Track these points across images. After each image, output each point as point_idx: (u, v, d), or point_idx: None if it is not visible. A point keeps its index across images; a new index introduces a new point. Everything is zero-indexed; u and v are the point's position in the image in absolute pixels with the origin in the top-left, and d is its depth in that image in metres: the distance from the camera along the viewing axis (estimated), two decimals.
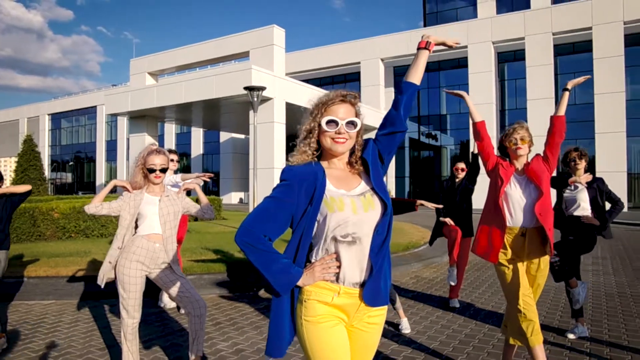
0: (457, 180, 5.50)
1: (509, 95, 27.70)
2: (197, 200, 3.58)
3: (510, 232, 3.05)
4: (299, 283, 1.63)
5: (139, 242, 3.13)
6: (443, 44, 2.00)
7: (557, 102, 3.32)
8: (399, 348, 3.94)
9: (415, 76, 1.85)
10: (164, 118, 26.24)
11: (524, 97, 25.41)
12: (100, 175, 42.74)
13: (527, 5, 26.45)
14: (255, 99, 11.41)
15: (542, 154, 3.17)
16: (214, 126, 30.72)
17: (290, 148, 1.86)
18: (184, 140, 38.95)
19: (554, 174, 3.77)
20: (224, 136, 34.73)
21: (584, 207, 4.17)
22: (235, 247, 8.39)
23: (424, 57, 1.90)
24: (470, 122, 3.32)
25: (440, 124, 30.20)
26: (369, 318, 1.74)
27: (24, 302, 5.47)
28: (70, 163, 46.28)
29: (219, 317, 4.80)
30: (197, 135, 37.91)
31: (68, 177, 46.93)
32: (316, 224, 1.66)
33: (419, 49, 1.93)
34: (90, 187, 43.89)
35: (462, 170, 5.44)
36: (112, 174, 42.03)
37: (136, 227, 3.20)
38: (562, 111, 3.15)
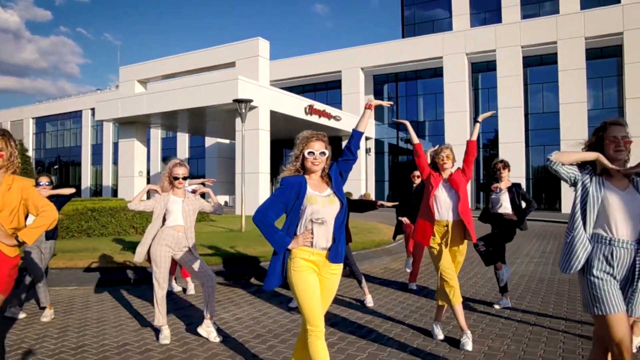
0: (414, 185, 6.71)
1: (482, 103, 29.20)
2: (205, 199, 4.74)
3: (439, 224, 4.23)
4: (289, 247, 2.79)
5: (167, 231, 4.25)
6: (380, 104, 3.21)
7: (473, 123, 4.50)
8: (363, 315, 5.10)
9: (362, 126, 3.00)
10: (152, 124, 27.12)
11: (496, 105, 26.92)
12: (86, 179, 43.18)
13: (498, 20, 28.07)
14: (244, 110, 12.50)
15: (461, 168, 4.36)
16: (199, 132, 31.65)
17: (273, 153, 3.14)
18: (169, 144, 39.71)
19: (483, 180, 5.04)
20: (209, 141, 35.61)
21: (505, 207, 5.41)
22: (225, 243, 9.49)
23: (368, 115, 3.05)
24: (412, 143, 4.49)
25: (417, 130, 31.56)
26: (330, 270, 2.89)
27: (51, 288, 6.47)
28: (55, 167, 46.59)
29: (219, 298, 5.90)
30: (183, 140, 38.71)
31: (53, 180, 47.21)
32: (300, 212, 2.81)
33: (365, 109, 3.09)
34: (75, 191, 44.21)
35: (417, 177, 6.63)
36: (97, 177, 42.52)
37: (164, 220, 4.32)
38: (475, 137, 4.35)
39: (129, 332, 4.51)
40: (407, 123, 4.60)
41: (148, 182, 27.57)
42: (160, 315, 4.25)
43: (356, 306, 5.50)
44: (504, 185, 5.42)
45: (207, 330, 4.25)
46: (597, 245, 2.61)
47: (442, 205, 4.23)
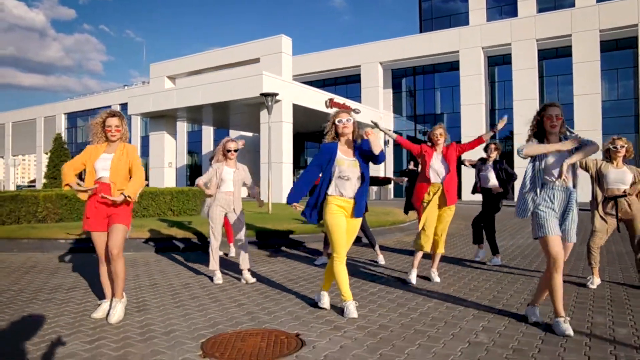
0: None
1: (498, 96, 29.86)
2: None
3: (433, 186, 5.31)
4: (291, 205, 4.03)
5: (220, 195, 5.43)
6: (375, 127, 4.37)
7: (489, 128, 5.60)
8: (376, 271, 6.23)
9: (376, 150, 3.90)
10: (179, 117, 28.56)
11: (511, 97, 27.59)
12: None
13: (514, 14, 28.66)
14: (270, 103, 13.67)
15: (458, 144, 5.42)
16: (224, 125, 33.02)
17: (296, 145, 4.42)
18: (195, 138, 41.23)
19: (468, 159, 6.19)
20: (233, 134, 36.96)
21: (493, 182, 6.46)
22: (256, 222, 10.69)
23: (374, 139, 3.89)
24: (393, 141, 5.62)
25: (435, 122, 32.27)
26: (354, 218, 4.03)
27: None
28: None
29: (255, 259, 7.08)
30: (208, 133, 40.17)
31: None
32: (332, 170, 3.95)
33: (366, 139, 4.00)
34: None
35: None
36: None
37: (219, 187, 5.49)
38: (487, 138, 5.43)
39: (187, 277, 5.71)
40: (378, 126, 5.81)
41: (176, 174, 28.99)
42: (213, 261, 5.41)
43: (370, 264, 6.62)
44: (468, 162, 6.64)
45: (245, 277, 5.38)
46: (544, 189, 3.65)
47: (437, 171, 5.31)
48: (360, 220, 4.09)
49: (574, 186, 3.66)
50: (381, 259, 6.68)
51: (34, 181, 48.42)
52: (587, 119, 24.67)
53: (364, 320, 3.85)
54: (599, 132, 24.55)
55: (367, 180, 4.01)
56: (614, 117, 25.41)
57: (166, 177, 26.19)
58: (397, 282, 5.37)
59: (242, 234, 5.47)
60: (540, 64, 27.27)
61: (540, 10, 28.18)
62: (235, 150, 5.51)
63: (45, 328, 3.67)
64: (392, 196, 32.08)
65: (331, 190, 3.96)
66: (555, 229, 3.59)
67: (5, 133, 53.03)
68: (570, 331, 3.39)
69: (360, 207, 3.99)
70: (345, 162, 3.93)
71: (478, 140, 5.42)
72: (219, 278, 5.37)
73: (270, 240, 8.67)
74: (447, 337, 3.42)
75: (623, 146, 4.98)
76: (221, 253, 7.55)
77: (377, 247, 6.81)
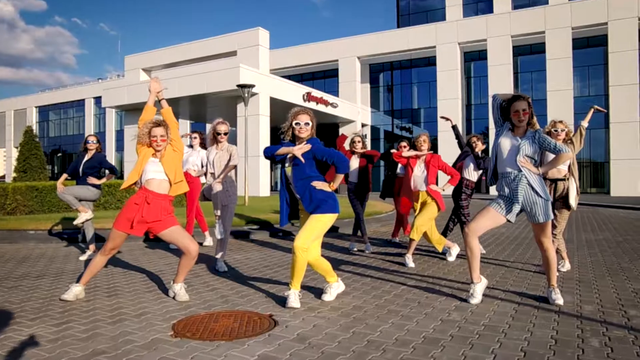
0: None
1: (475, 91, 30.25)
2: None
3: (421, 195, 5.48)
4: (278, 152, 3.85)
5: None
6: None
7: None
8: (352, 260, 6.25)
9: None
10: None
11: (487, 93, 27.98)
12: None
13: (490, 10, 29.02)
14: (247, 95, 13.56)
15: (440, 160, 5.64)
16: (201, 118, 32.64)
17: (273, 139, 4.26)
18: None
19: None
20: (210, 128, 36.64)
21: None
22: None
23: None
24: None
25: (412, 117, 32.64)
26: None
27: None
28: (59, 154, 47.54)
29: (231, 247, 7.03)
30: (184, 127, 39.69)
31: (56, 168, 48.18)
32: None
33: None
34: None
35: (405, 147, 7.70)
36: None
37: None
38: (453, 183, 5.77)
39: (162, 265, 5.63)
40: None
41: None
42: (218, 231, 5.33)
43: (344, 251, 6.63)
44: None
45: (219, 265, 5.30)
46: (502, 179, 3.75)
47: (417, 179, 5.64)
48: (317, 215, 3.65)
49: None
50: (364, 247, 6.75)
51: (3, 177, 47.06)
52: (560, 114, 25.08)
53: (338, 301, 3.85)
54: (572, 127, 25.05)
55: (309, 176, 3.72)
56: (585, 113, 25.80)
57: None
58: (373, 270, 5.40)
59: (227, 224, 5.36)
60: (515, 60, 27.72)
61: (515, 7, 28.61)
62: (225, 134, 5.40)
63: (10, 314, 3.57)
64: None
65: None
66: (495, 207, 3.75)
67: None
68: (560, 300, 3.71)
69: (308, 201, 3.67)
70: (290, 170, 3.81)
71: (454, 179, 5.86)
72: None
73: (246, 229, 8.62)
74: (420, 316, 3.45)
75: (564, 130, 5.14)
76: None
77: (366, 237, 6.84)
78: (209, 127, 36.99)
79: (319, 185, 3.67)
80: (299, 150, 3.62)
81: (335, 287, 3.95)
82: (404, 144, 7.78)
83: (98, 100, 38.22)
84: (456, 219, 6.64)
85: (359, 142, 6.81)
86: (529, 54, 28.08)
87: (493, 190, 21.52)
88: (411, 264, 5.43)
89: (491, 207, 3.71)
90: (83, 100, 44.62)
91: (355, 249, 6.75)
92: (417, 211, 5.68)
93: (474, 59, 29.82)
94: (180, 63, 27.62)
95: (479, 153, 6.51)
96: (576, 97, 25.78)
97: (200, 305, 3.77)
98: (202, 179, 6.42)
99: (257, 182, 20.80)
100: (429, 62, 30.47)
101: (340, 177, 3.69)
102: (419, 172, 5.67)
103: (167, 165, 3.88)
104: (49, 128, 48.85)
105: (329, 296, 3.89)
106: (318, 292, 4.09)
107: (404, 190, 5.92)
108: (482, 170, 6.54)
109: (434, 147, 28.01)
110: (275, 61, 31.36)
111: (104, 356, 2.69)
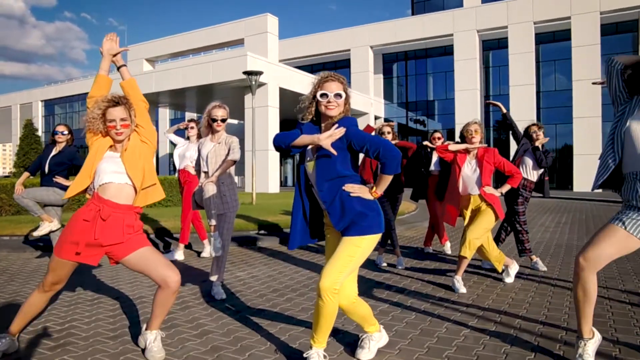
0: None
1: (493, 81, 28.82)
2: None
3: (473, 199, 4.41)
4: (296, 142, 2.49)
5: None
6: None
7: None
8: (381, 274, 5.05)
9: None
10: (160, 103, 27.04)
11: (507, 83, 26.54)
12: None
13: None
14: (254, 83, 12.37)
15: (496, 154, 4.44)
16: None
17: (283, 130, 2.81)
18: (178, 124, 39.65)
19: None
20: (204, 114, 35.52)
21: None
22: (239, 213, 9.44)
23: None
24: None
25: (427, 109, 31.27)
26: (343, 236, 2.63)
27: None
28: None
29: (233, 260, 5.86)
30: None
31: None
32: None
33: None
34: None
35: (439, 138, 6.46)
36: None
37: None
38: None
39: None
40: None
41: (157, 160, 27.55)
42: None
43: (372, 267, 5.44)
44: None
45: (215, 291, 4.12)
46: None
47: (467, 180, 4.46)
48: (353, 238, 2.43)
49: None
50: (395, 261, 5.57)
51: (9, 175, 46.49)
52: (587, 105, 23.72)
53: (379, 359, 2.67)
54: (599, 119, 23.66)
55: (341, 175, 2.48)
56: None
57: None
58: (413, 296, 4.20)
59: (226, 240, 4.13)
60: (536, 49, 26.21)
61: None
62: (223, 120, 4.11)
63: None
64: None
65: None
66: None
67: None
68: None
69: (339, 214, 2.45)
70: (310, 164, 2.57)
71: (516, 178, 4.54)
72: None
73: (251, 236, 7.46)
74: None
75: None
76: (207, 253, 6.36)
77: (397, 249, 5.63)
78: None
79: (356, 190, 2.44)
80: (329, 137, 2.34)
81: (376, 338, 2.75)
82: (437, 135, 6.56)
83: None
84: (510, 227, 5.40)
85: (389, 133, 5.53)
86: (552, 42, 26.56)
87: (559, 193, 20.16)
88: (462, 289, 4.21)
89: (618, 226, 2.46)
90: (88, 93, 43.69)
91: (384, 264, 5.55)
92: (467, 220, 4.46)
93: (493, 48, 28.37)
94: (186, 52, 26.47)
95: (540, 146, 5.27)
96: (604, 87, 24.18)
97: None
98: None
99: (266, 177, 19.64)
100: (445, 51, 29.04)
101: (387, 180, 2.41)
102: (469, 171, 4.43)
103: (130, 163, 2.69)
104: (54, 122, 48.04)
105: (367, 353, 2.69)
106: (348, 341, 2.92)
107: (450, 194, 4.60)
108: (544, 168, 5.31)
109: (451, 140, 26.67)
110: (284, 52, 30.11)
111: None
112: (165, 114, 39.37)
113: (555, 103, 26.31)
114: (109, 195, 2.62)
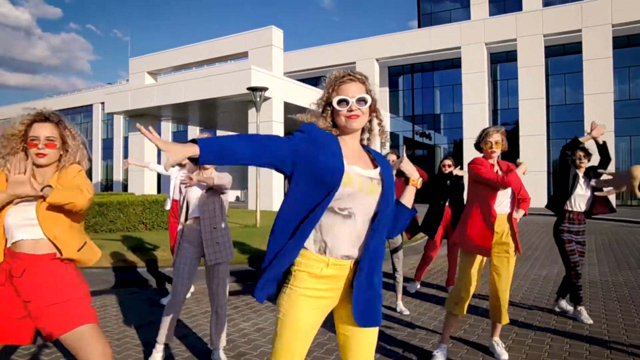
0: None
1: (502, 95, 28.31)
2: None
3: (498, 221, 3.61)
4: None
5: (188, 226, 3.60)
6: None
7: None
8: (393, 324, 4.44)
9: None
10: (162, 117, 26.58)
11: (516, 96, 26.01)
12: (97, 174, 42.89)
13: (519, 8, 27.02)
14: (258, 99, 11.85)
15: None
16: (210, 125, 31.07)
17: None
18: (180, 138, 39.22)
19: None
20: (220, 134, 35.08)
21: None
22: (242, 240, 8.84)
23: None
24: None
25: (434, 123, 30.76)
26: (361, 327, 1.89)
27: None
28: None
29: (237, 304, 5.26)
30: (194, 134, 38.21)
31: None
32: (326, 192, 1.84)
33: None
34: None
35: (449, 166, 5.83)
36: (108, 172, 42.24)
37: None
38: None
39: (132, 344, 3.87)
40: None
41: (159, 177, 27.06)
42: (162, 331, 3.52)
43: (385, 315, 4.83)
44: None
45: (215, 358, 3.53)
46: None
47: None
48: (374, 331, 1.89)
49: None
50: (401, 307, 4.94)
51: None
52: (599, 119, 23.01)
53: None
54: (612, 133, 23.03)
55: (401, 222, 2.00)
56: (627, 118, 23.94)
57: (146, 181, 24.22)
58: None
59: (222, 298, 3.55)
60: (546, 62, 25.69)
61: (547, 3, 26.63)
62: None
63: None
64: None
65: (309, 242, 1.81)
66: None
67: None
68: None
69: (366, 298, 1.80)
70: (357, 181, 1.79)
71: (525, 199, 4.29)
72: (154, 357, 3.44)
73: (252, 271, 6.85)
74: None
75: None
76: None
77: (399, 287, 5.04)
78: (218, 134, 35.61)
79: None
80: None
81: None
82: (448, 162, 5.91)
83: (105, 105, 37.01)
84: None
85: (393, 162, 4.85)
86: (563, 55, 26.05)
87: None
88: (505, 356, 3.57)
89: None
90: (91, 105, 43.43)
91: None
92: (483, 263, 3.61)
93: (501, 61, 27.87)
94: (188, 65, 26.04)
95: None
96: (617, 101, 23.66)
97: None
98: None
99: (270, 195, 19.07)
100: (453, 64, 28.56)
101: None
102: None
103: (47, 216, 2.08)
104: None
105: None
106: None
107: (482, 219, 3.57)
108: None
109: (457, 154, 26.11)
110: (288, 64, 29.69)
111: None
112: (167, 127, 39.01)
113: (565, 117, 25.74)
114: (25, 249, 2.07)
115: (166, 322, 3.42)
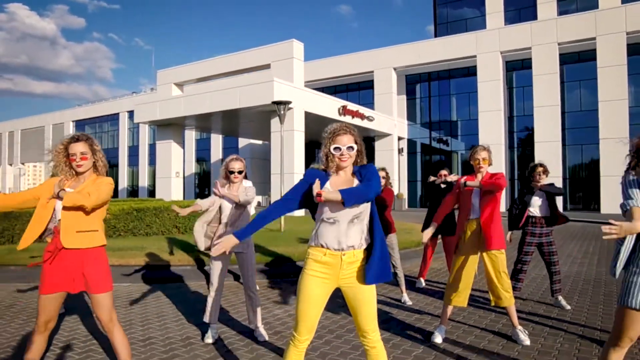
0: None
1: (517, 101, 28.78)
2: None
3: (470, 223, 4.38)
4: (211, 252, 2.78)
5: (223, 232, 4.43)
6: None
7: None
8: (402, 312, 5.22)
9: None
10: (187, 126, 27.77)
11: (531, 103, 26.49)
12: (123, 180, 44.43)
13: (534, 17, 27.58)
14: (282, 112, 12.74)
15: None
16: (233, 133, 32.20)
17: (307, 154, 3.07)
18: (203, 145, 40.47)
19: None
20: (242, 142, 36.13)
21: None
22: (267, 243, 9.70)
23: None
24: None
25: (450, 129, 31.35)
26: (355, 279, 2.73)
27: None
28: None
29: (268, 295, 6.10)
30: (217, 141, 39.40)
31: None
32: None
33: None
34: (113, 192, 45.54)
35: (445, 175, 6.62)
36: (134, 178, 43.71)
37: (220, 220, 4.48)
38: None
39: (189, 325, 4.74)
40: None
41: (184, 184, 28.12)
42: (207, 313, 4.36)
43: (395, 305, 5.61)
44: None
45: (258, 333, 4.38)
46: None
47: (473, 205, 4.30)
48: (371, 288, 2.69)
49: None
50: (405, 297, 5.72)
51: None
52: (614, 126, 23.49)
53: None
54: (626, 140, 23.34)
55: (375, 222, 2.70)
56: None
57: (173, 187, 25.36)
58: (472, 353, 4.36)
59: (252, 283, 4.42)
60: (561, 69, 26.15)
61: (561, 12, 27.11)
62: (240, 172, 4.38)
63: None
64: (406, 206, 30.96)
65: (311, 239, 2.74)
66: None
67: (14, 141, 52.72)
68: None
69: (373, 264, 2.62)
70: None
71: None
72: (209, 336, 4.28)
73: (282, 267, 7.69)
74: None
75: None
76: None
77: (402, 282, 5.82)
78: (240, 141, 36.52)
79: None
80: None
81: None
82: (444, 172, 6.69)
83: (132, 114, 38.38)
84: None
85: (383, 178, 5.44)
86: (577, 62, 26.46)
87: (585, 215, 19.96)
88: (527, 342, 4.12)
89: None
90: (117, 114, 45.02)
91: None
92: (461, 254, 4.31)
93: (516, 69, 28.40)
94: (213, 77, 27.21)
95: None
96: (631, 107, 24.00)
97: None
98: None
99: None
100: (469, 72, 29.20)
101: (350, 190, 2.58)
102: (475, 194, 4.35)
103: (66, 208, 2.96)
104: None
105: None
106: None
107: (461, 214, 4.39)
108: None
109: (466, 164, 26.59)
110: (308, 73, 30.62)
111: None
112: (191, 134, 40.28)
113: (581, 123, 26.12)
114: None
115: (211, 304, 4.29)
